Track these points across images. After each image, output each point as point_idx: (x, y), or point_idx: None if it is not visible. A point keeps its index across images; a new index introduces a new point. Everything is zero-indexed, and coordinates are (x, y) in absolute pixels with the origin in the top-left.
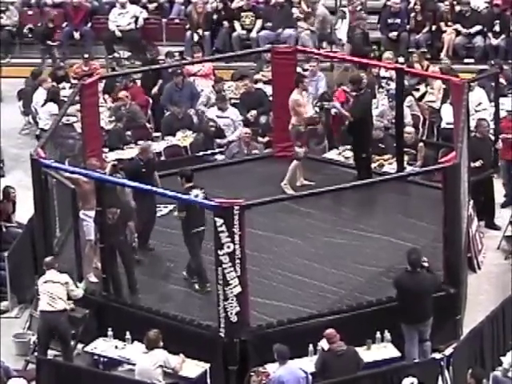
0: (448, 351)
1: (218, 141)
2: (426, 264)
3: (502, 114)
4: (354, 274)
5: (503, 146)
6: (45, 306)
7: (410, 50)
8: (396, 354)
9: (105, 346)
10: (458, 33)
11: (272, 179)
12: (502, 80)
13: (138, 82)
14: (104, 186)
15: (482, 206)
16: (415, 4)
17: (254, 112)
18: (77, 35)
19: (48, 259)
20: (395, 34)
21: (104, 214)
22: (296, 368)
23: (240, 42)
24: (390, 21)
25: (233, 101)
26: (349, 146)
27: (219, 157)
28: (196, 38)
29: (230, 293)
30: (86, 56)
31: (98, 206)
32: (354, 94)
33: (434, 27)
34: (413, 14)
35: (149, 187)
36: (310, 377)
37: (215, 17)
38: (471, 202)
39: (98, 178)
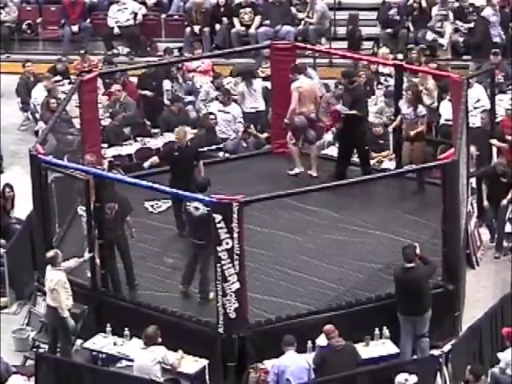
0: (446, 348)
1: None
2: (417, 250)
3: (501, 110)
4: (353, 271)
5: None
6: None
7: (409, 47)
8: (394, 350)
9: (103, 342)
10: (457, 29)
11: (271, 176)
12: (500, 76)
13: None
14: (102, 181)
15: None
16: (414, 0)
17: None
18: (75, 29)
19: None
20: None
21: (102, 209)
22: (300, 358)
23: (239, 38)
24: (388, 17)
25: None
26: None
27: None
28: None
29: (229, 289)
30: (82, 52)
31: (97, 202)
32: (345, 88)
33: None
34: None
35: (147, 183)
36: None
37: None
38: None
39: (96, 174)
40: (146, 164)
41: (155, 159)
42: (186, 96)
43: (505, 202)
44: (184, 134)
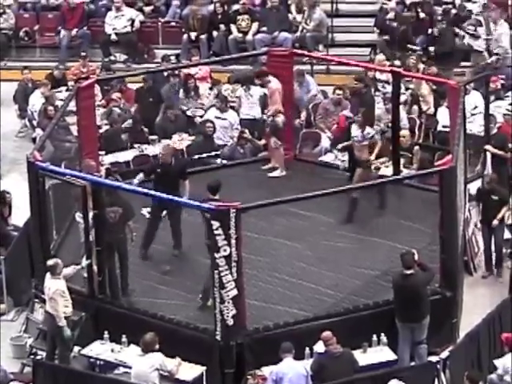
0: (444, 354)
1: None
2: (416, 256)
3: (499, 117)
4: (351, 277)
5: None
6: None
7: (407, 53)
8: (392, 357)
9: (101, 349)
10: (455, 35)
11: (268, 182)
12: (497, 83)
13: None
14: (101, 187)
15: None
16: (411, 7)
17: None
18: (73, 33)
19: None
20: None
21: (101, 216)
22: (298, 365)
23: (236, 44)
24: (386, 24)
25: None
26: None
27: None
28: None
29: (227, 296)
30: (83, 54)
31: (95, 209)
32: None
33: (430, 30)
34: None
35: (144, 189)
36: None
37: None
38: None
39: (94, 181)
40: (135, 181)
41: (141, 176)
42: (196, 109)
43: (496, 221)
44: (169, 152)
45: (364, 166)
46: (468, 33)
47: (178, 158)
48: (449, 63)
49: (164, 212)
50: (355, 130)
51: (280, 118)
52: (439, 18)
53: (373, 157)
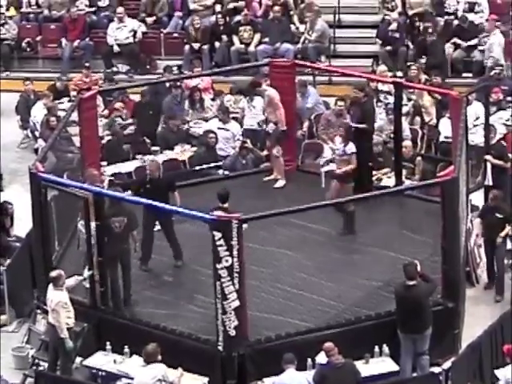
0: (446, 365)
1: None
2: (418, 268)
3: (500, 127)
4: (353, 288)
5: None
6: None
7: (408, 64)
8: (394, 368)
9: (103, 360)
10: (457, 46)
11: (270, 193)
12: (499, 94)
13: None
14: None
15: None
16: (413, 18)
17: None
18: (76, 44)
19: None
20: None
21: (104, 226)
22: (300, 376)
23: (238, 56)
24: (388, 35)
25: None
26: None
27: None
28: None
29: (229, 307)
30: (87, 65)
31: (97, 219)
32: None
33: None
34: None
35: (146, 201)
36: None
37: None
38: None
39: (96, 192)
40: None
41: (129, 194)
42: (199, 120)
43: (499, 239)
44: (156, 167)
45: (340, 179)
46: (481, 49)
47: (166, 171)
48: (438, 75)
49: (157, 223)
50: (338, 143)
51: (281, 127)
52: (430, 30)
53: (339, 171)
